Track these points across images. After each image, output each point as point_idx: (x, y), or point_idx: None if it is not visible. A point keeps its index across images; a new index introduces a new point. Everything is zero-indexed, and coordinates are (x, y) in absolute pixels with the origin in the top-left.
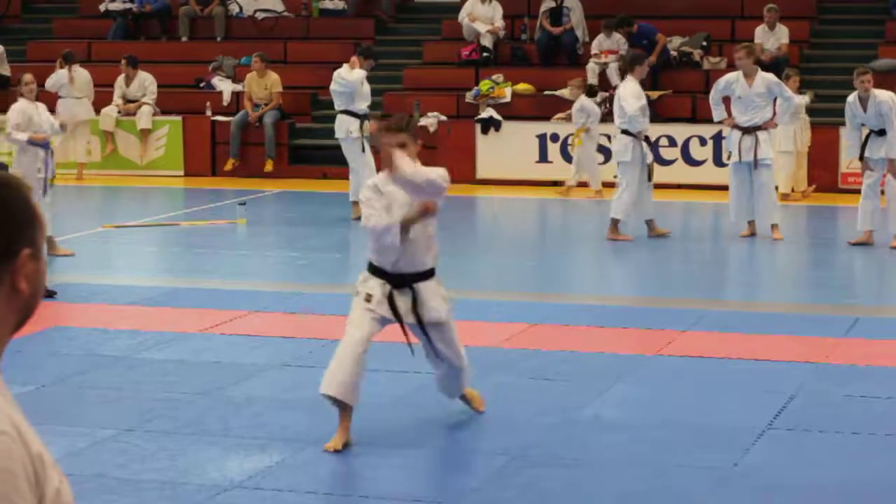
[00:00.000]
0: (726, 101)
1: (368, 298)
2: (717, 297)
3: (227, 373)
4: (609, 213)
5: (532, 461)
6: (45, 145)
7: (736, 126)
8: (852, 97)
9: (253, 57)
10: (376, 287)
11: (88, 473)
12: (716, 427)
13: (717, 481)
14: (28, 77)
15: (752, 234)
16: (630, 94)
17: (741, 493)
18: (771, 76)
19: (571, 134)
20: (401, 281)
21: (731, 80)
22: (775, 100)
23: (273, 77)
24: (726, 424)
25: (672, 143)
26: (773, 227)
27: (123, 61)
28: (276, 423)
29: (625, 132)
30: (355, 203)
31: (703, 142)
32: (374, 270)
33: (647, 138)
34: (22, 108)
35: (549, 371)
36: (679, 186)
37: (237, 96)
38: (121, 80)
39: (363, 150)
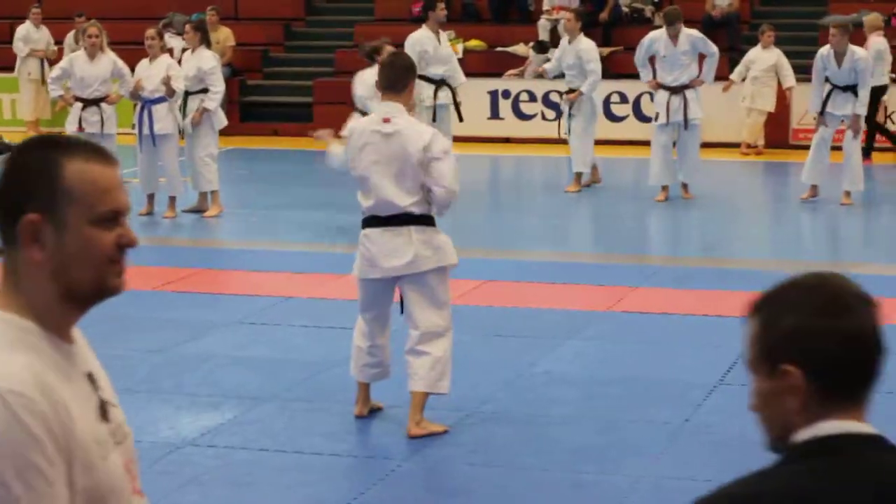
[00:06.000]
0: (652, 60)
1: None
2: (669, 254)
3: (179, 330)
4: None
5: (484, 417)
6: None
7: (662, 86)
8: (825, 50)
9: (208, 11)
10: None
11: None
12: (668, 382)
13: (669, 436)
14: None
15: (667, 199)
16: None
17: (693, 448)
18: (695, 33)
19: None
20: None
21: (655, 39)
22: (701, 58)
23: (225, 32)
24: (678, 379)
25: (623, 99)
26: (685, 185)
27: (77, 18)
28: (229, 381)
29: None
30: None
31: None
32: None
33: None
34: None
35: (502, 327)
36: (630, 143)
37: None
38: (70, 37)
39: (434, 119)
